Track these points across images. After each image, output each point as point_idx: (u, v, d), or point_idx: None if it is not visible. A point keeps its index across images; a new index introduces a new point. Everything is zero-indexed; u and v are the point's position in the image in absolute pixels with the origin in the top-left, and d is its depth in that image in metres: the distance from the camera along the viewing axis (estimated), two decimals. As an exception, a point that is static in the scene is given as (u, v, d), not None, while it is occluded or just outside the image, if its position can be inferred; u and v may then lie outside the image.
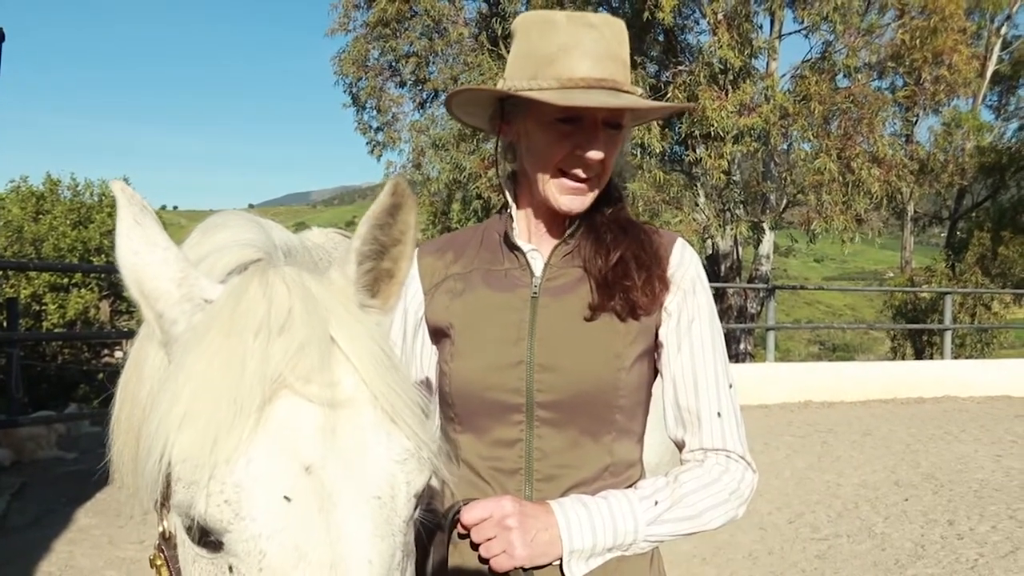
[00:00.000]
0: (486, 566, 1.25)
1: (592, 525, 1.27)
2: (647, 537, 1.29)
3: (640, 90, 1.40)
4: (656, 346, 1.43)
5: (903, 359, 20.93)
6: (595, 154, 1.34)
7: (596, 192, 1.41)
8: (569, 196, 1.39)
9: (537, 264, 1.44)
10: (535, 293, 1.41)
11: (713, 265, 17.71)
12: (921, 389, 13.24)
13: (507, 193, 1.50)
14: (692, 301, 1.41)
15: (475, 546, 1.25)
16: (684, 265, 1.43)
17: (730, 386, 1.41)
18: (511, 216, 1.48)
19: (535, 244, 1.46)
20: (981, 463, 8.42)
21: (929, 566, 5.31)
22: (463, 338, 1.41)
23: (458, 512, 1.28)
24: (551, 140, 1.37)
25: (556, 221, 1.46)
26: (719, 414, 1.37)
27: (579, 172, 1.37)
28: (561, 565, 1.27)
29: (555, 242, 1.45)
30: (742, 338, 17.27)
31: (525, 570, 1.24)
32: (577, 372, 1.35)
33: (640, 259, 1.39)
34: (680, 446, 1.42)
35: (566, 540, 1.25)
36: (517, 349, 1.37)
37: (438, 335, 1.47)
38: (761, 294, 16.75)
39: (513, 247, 1.46)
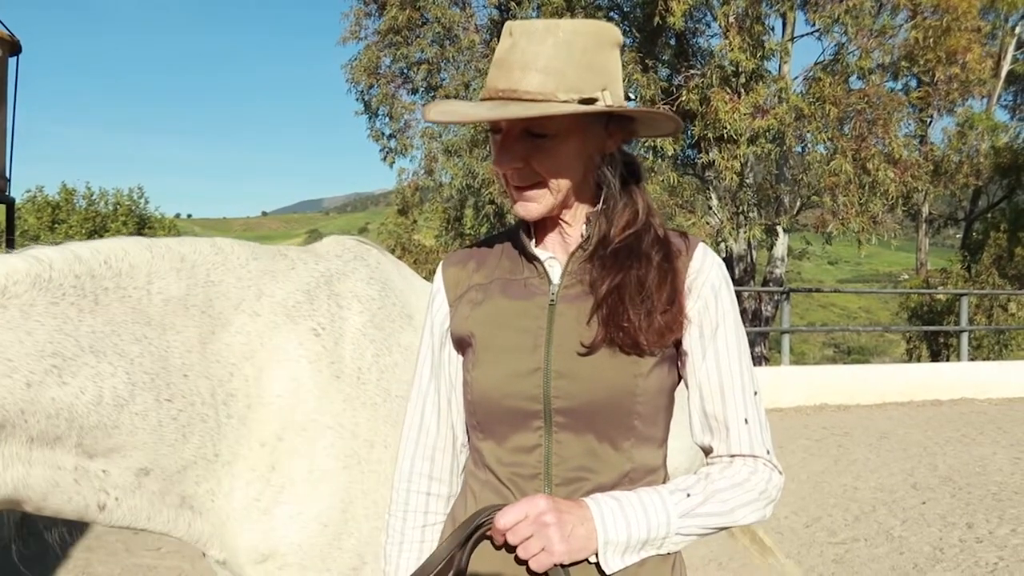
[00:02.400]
0: (523, 567, 1.25)
1: (625, 517, 1.27)
2: (680, 530, 1.29)
3: (562, 97, 1.30)
4: (678, 353, 1.43)
5: (919, 361, 20.79)
6: (500, 161, 1.36)
7: (548, 202, 1.39)
8: (520, 204, 1.40)
9: (555, 272, 1.44)
10: (552, 301, 1.41)
11: (727, 268, 17.62)
12: (938, 391, 13.15)
13: None
14: (715, 308, 1.40)
15: (511, 549, 1.25)
16: (704, 271, 1.42)
17: (755, 393, 1.40)
18: (529, 225, 1.49)
19: (552, 252, 1.46)
20: (1000, 465, 8.36)
21: (948, 570, 5.27)
22: (482, 347, 1.42)
23: (489, 517, 1.28)
24: (493, 152, 1.40)
25: (572, 227, 1.47)
26: (746, 420, 1.37)
27: (513, 181, 1.39)
28: (597, 559, 1.27)
29: (572, 249, 1.45)
30: (757, 341, 17.20)
31: (564, 567, 1.24)
32: (593, 379, 1.35)
33: (642, 292, 1.36)
34: (707, 451, 1.42)
35: (601, 531, 1.26)
36: (534, 356, 1.38)
37: (461, 345, 1.48)
38: (775, 297, 16.70)
39: (531, 257, 1.46)
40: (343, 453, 1.90)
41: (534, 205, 1.39)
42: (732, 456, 1.37)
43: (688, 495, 1.31)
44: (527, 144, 1.35)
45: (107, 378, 1.67)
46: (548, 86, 1.29)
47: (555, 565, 1.23)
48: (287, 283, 2.00)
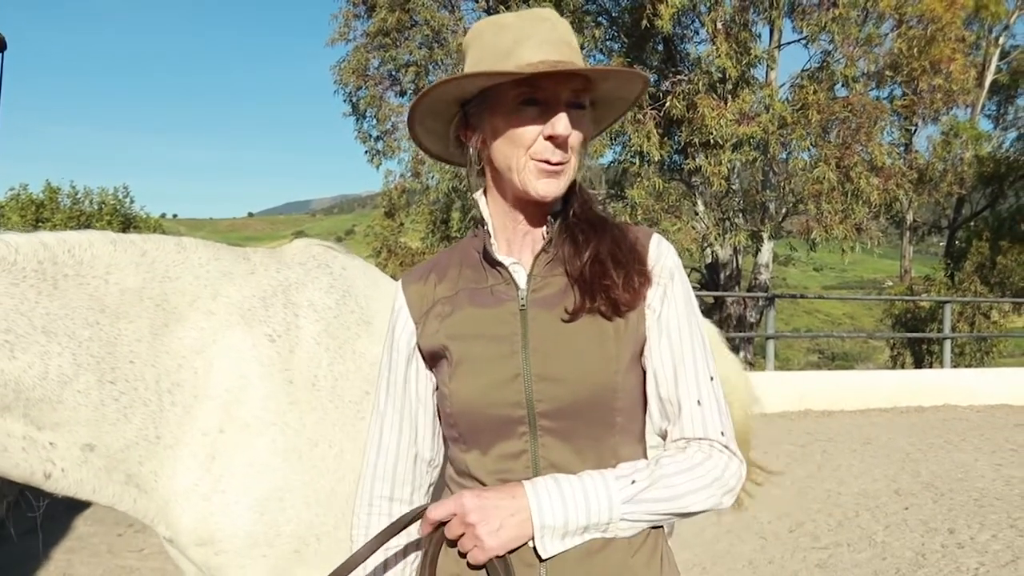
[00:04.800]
0: (464, 560, 1.30)
1: (563, 501, 1.28)
2: (624, 516, 1.29)
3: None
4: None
5: (902, 368, 20.93)
6: (564, 128, 1.34)
7: (569, 176, 1.41)
8: (545, 180, 1.38)
9: (520, 276, 1.43)
10: (523, 306, 1.41)
11: (712, 274, 17.72)
12: (921, 398, 13.24)
13: (482, 209, 1.50)
14: (670, 292, 1.42)
15: (452, 543, 1.31)
16: (662, 259, 1.44)
17: (712, 378, 1.40)
18: (488, 232, 1.48)
19: (516, 257, 1.46)
20: (981, 472, 8.42)
21: (930, 575, 5.30)
22: (458, 359, 1.41)
23: (420, 515, 1.35)
24: (519, 126, 1.37)
25: (533, 230, 1.47)
26: (699, 402, 1.37)
27: (550, 156, 1.37)
28: (535, 543, 1.28)
29: (536, 252, 1.45)
30: (741, 347, 17.26)
31: (499, 558, 1.27)
32: (574, 379, 1.36)
33: (616, 256, 1.40)
34: (664, 438, 1.42)
35: (536, 516, 1.27)
36: (512, 363, 1.37)
37: (434, 359, 1.47)
38: (760, 303, 16.76)
39: (494, 263, 1.45)
40: (284, 448, 1.97)
41: (560, 181, 1.40)
42: (687, 440, 1.36)
43: (633, 481, 1.30)
44: (568, 113, 1.37)
45: (54, 357, 1.81)
46: (581, 61, 1.41)
47: (492, 559, 1.27)
48: (244, 287, 2.10)
